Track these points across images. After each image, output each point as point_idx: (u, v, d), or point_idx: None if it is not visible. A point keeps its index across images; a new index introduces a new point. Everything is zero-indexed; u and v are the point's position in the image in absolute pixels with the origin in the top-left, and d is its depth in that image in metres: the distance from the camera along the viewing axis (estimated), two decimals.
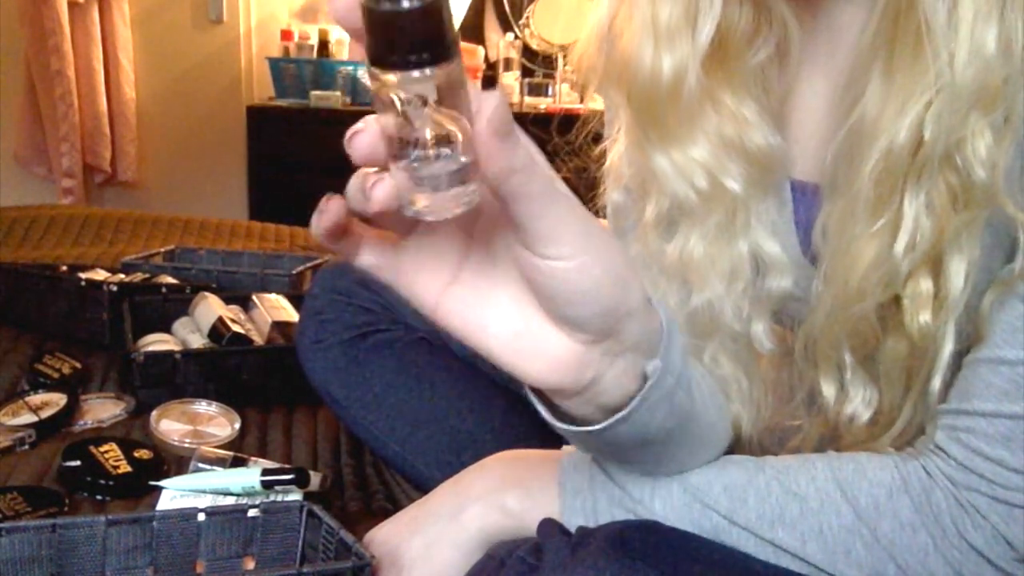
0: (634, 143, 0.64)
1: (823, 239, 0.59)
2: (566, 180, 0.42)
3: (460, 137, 0.37)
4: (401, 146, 0.37)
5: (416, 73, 0.35)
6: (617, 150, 0.68)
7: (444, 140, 0.36)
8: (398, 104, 0.36)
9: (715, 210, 0.61)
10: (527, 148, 0.38)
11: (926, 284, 0.54)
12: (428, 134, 0.36)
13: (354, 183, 0.39)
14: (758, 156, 0.60)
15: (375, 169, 0.39)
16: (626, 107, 0.63)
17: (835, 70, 0.61)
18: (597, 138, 0.72)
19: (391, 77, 0.35)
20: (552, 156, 0.42)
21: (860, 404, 0.59)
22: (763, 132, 0.60)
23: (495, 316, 0.45)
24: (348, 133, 0.38)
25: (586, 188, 0.71)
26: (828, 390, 0.60)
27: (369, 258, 0.44)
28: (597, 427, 0.49)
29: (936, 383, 0.56)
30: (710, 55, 0.59)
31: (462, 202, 0.38)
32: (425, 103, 0.36)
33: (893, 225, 0.54)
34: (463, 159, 0.37)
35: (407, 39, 0.34)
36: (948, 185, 0.52)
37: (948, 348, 0.54)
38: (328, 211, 0.41)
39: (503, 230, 0.42)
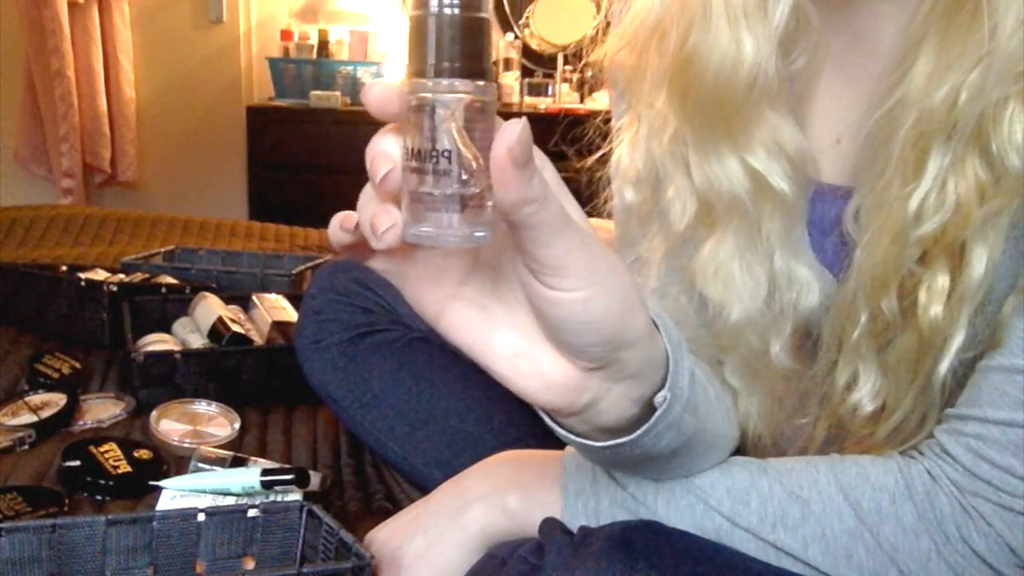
0: (692, 144, 0.61)
1: (855, 224, 0.58)
2: (568, 181, 0.42)
3: (475, 166, 0.37)
4: (419, 160, 0.37)
5: (454, 83, 0.36)
6: (627, 149, 0.66)
7: (462, 162, 0.37)
8: (427, 114, 0.36)
9: (745, 225, 0.60)
10: (542, 178, 0.38)
11: (943, 278, 0.53)
12: (448, 151, 0.36)
13: (364, 219, 0.40)
14: (798, 162, 0.59)
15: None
16: (679, 108, 0.60)
17: (866, 72, 0.60)
18: (603, 138, 0.71)
19: (428, 83, 0.36)
20: (554, 158, 0.42)
21: (867, 394, 0.59)
22: (797, 139, 0.59)
23: (496, 334, 0.44)
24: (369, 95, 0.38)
25: (588, 189, 0.71)
26: (842, 375, 0.60)
27: (380, 264, 0.45)
28: (597, 444, 0.49)
29: (940, 372, 0.55)
30: None
31: (469, 237, 0.38)
32: (452, 119, 0.36)
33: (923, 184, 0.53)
34: (474, 188, 0.37)
35: (449, 47, 0.35)
36: (978, 172, 0.52)
37: (957, 340, 0.54)
38: (351, 232, 0.42)
39: (511, 253, 0.42)
